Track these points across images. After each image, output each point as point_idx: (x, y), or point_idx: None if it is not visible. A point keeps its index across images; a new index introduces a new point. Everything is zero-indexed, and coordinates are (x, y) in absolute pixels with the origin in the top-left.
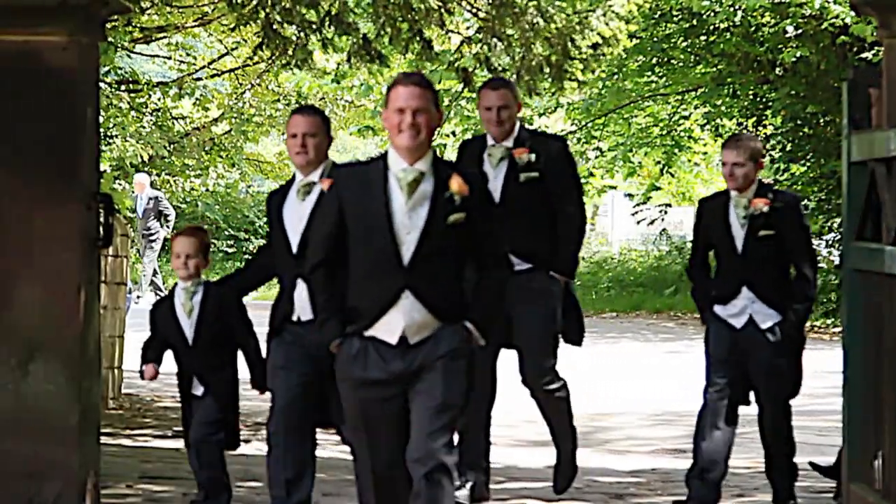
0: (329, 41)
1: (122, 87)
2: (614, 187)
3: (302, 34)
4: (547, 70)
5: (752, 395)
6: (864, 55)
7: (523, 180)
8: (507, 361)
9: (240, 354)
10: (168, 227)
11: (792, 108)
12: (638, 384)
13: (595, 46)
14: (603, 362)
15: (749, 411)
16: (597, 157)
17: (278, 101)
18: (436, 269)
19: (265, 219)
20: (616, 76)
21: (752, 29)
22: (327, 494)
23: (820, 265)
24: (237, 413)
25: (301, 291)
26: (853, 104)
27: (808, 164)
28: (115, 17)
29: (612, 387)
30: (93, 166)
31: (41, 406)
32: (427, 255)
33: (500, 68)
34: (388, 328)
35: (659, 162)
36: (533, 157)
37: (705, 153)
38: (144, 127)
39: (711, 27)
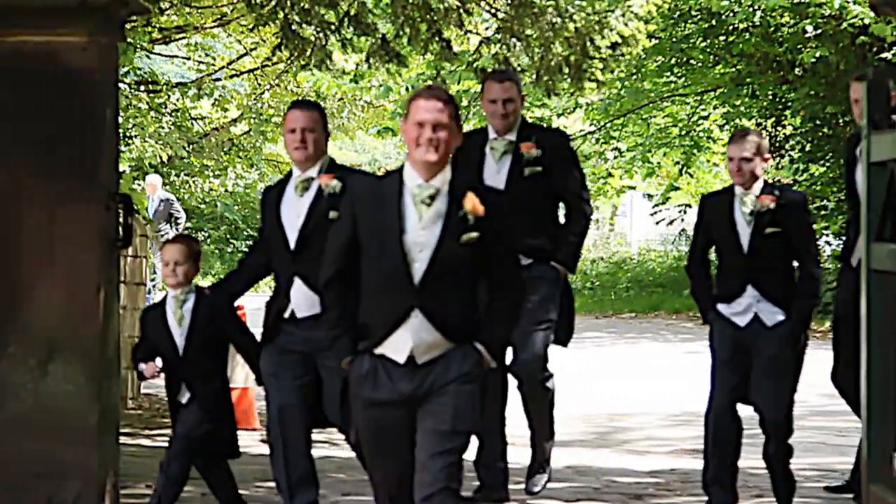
0: (348, 41)
1: (142, 88)
2: (633, 188)
3: (321, 34)
4: (566, 70)
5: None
6: (883, 55)
7: (528, 175)
8: None
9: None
10: (178, 229)
11: (811, 109)
12: (657, 384)
13: (614, 46)
14: (622, 363)
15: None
16: (615, 158)
17: None
18: (447, 288)
19: None
20: (635, 76)
21: (772, 29)
22: (346, 494)
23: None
24: (233, 422)
25: (298, 288)
26: (873, 104)
27: (828, 164)
28: (135, 17)
29: (631, 387)
30: (112, 167)
31: (60, 406)
32: (438, 274)
33: (519, 69)
34: (397, 347)
35: (678, 162)
36: (538, 152)
37: (724, 153)
38: (163, 127)
39: (731, 27)
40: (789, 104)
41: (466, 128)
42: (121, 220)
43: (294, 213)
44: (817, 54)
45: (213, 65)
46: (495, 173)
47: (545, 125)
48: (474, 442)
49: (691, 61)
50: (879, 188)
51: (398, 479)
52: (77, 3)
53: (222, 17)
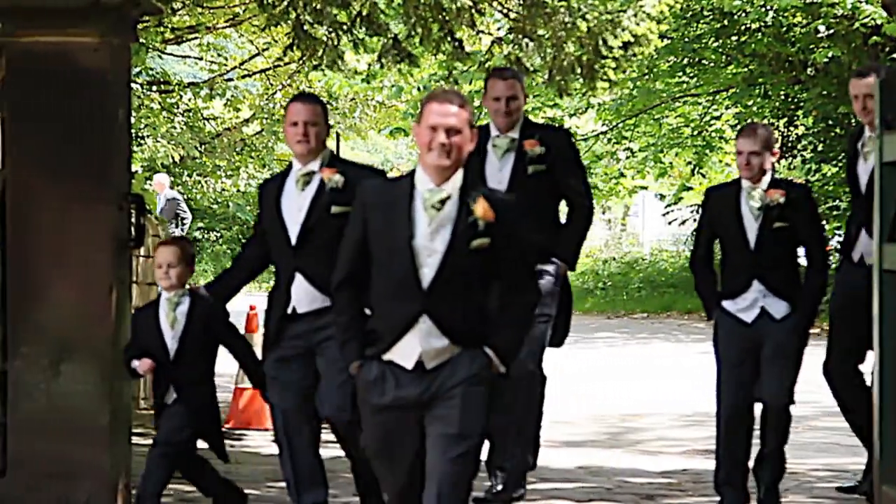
0: (360, 42)
1: (154, 88)
2: (645, 188)
3: (333, 35)
4: (578, 70)
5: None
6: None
7: (531, 172)
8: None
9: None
10: (183, 230)
11: (823, 109)
12: (669, 385)
13: (626, 46)
14: (634, 363)
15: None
16: (628, 158)
17: None
18: (456, 294)
19: None
20: (647, 76)
21: (784, 29)
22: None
23: None
24: (220, 427)
25: (299, 284)
26: (885, 104)
27: (840, 164)
28: (147, 17)
29: (642, 387)
30: (124, 167)
31: (73, 406)
32: (447, 279)
33: (531, 69)
34: (405, 353)
35: (690, 162)
36: (542, 149)
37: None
38: (175, 128)
39: (743, 27)
40: (801, 104)
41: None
42: (133, 220)
43: (295, 207)
44: (830, 54)
45: (225, 65)
46: (497, 171)
47: (546, 123)
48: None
49: (703, 61)
50: (892, 188)
51: (407, 486)
52: (89, 3)
53: (234, 18)
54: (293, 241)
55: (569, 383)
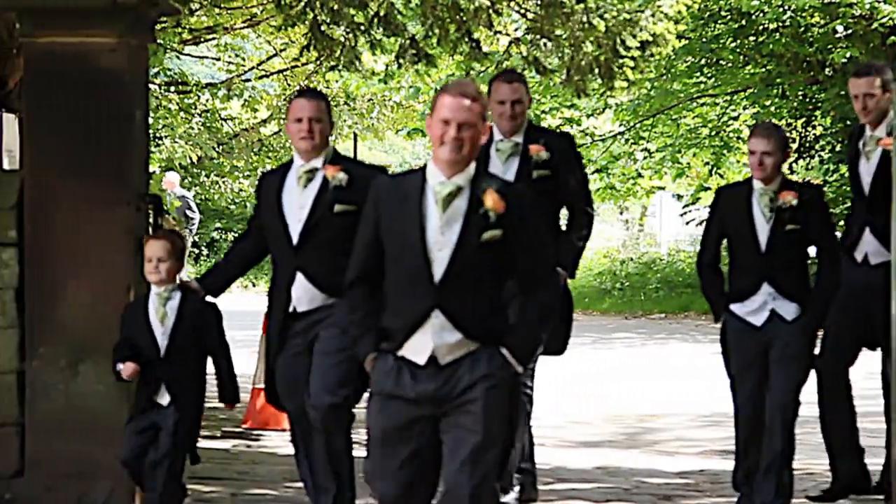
0: (377, 43)
1: (171, 89)
2: (663, 188)
3: (350, 35)
4: (596, 70)
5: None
6: None
7: (536, 177)
8: (553, 364)
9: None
10: (192, 229)
11: (841, 109)
12: (686, 385)
13: (644, 46)
14: (651, 363)
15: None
16: (645, 159)
17: None
18: (469, 288)
19: None
20: (664, 77)
21: (802, 29)
22: None
23: None
24: (198, 428)
25: (299, 283)
26: None
27: None
28: (165, 18)
29: (660, 388)
30: (142, 167)
31: (91, 406)
32: (459, 273)
33: (549, 69)
34: (417, 349)
35: (708, 163)
36: (548, 155)
37: None
38: (193, 128)
39: (760, 27)
40: (819, 104)
41: None
42: (150, 220)
43: (297, 204)
44: (847, 55)
45: (243, 65)
46: (501, 175)
47: (549, 128)
48: None
49: (721, 62)
50: None
51: (401, 488)
52: (107, 4)
53: (252, 18)
54: (294, 239)
55: (586, 384)
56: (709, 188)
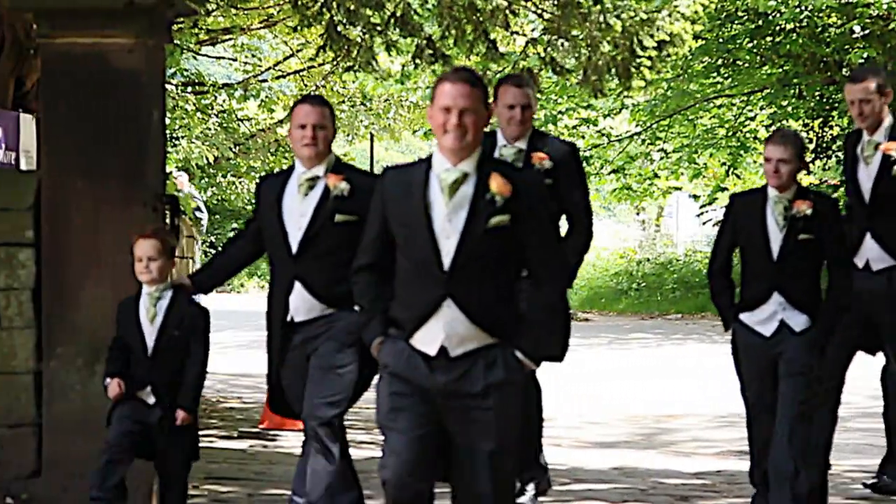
0: (393, 44)
1: (188, 89)
2: (679, 188)
3: (367, 36)
4: (613, 70)
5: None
6: None
7: None
8: (569, 364)
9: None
10: (200, 229)
11: None
12: (703, 386)
13: (661, 46)
14: (668, 364)
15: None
16: (662, 159)
17: (343, 102)
18: (479, 277)
19: None
20: (681, 77)
21: (819, 29)
22: None
23: None
24: (197, 426)
25: (297, 293)
26: None
27: None
28: (182, 19)
29: (677, 388)
30: (158, 168)
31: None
32: (468, 261)
33: (566, 69)
34: (427, 339)
35: (724, 163)
36: (550, 164)
37: None
38: (210, 129)
39: (777, 28)
40: (836, 105)
41: None
42: (167, 221)
43: (297, 213)
44: (865, 55)
45: (260, 66)
46: None
47: (554, 135)
48: None
49: (738, 62)
50: None
51: (407, 465)
52: (124, 5)
53: (268, 19)
54: (294, 248)
55: (603, 384)
56: (725, 189)
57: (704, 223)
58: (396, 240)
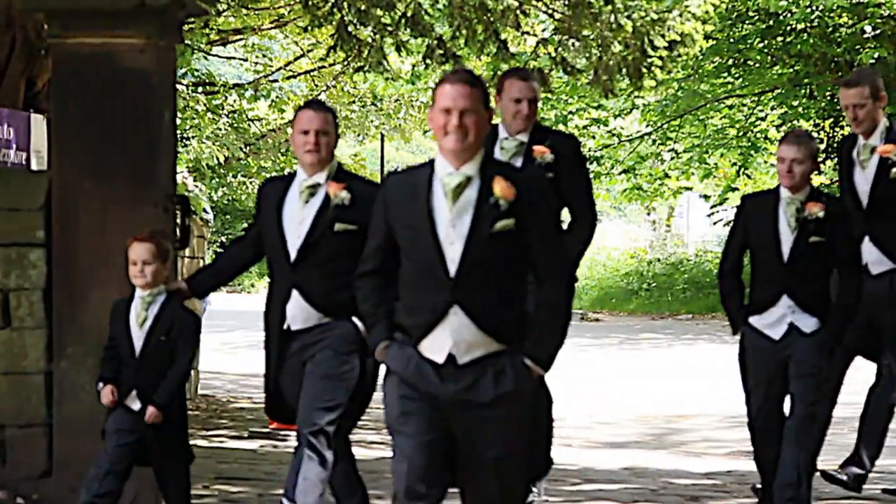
0: (403, 44)
1: (199, 89)
2: (690, 189)
3: (377, 36)
4: (624, 70)
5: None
6: None
7: None
8: (579, 365)
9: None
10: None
11: None
12: (714, 386)
13: (671, 46)
14: (679, 364)
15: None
16: (672, 159)
17: (353, 102)
18: (485, 282)
19: None
20: (692, 77)
21: (830, 29)
22: None
23: None
24: (186, 427)
25: (295, 302)
26: None
27: None
28: (192, 19)
29: (687, 388)
30: (169, 168)
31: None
32: (475, 266)
33: (576, 69)
34: (435, 347)
35: (735, 163)
36: (552, 157)
37: None
38: (221, 129)
39: (788, 28)
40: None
41: None
42: (178, 221)
43: (297, 220)
44: (875, 55)
45: (270, 66)
46: None
47: (556, 128)
48: None
49: (748, 62)
50: None
51: (419, 470)
52: (135, 5)
53: (279, 19)
54: (292, 256)
55: (613, 385)
56: (736, 189)
57: (715, 223)
58: (400, 245)
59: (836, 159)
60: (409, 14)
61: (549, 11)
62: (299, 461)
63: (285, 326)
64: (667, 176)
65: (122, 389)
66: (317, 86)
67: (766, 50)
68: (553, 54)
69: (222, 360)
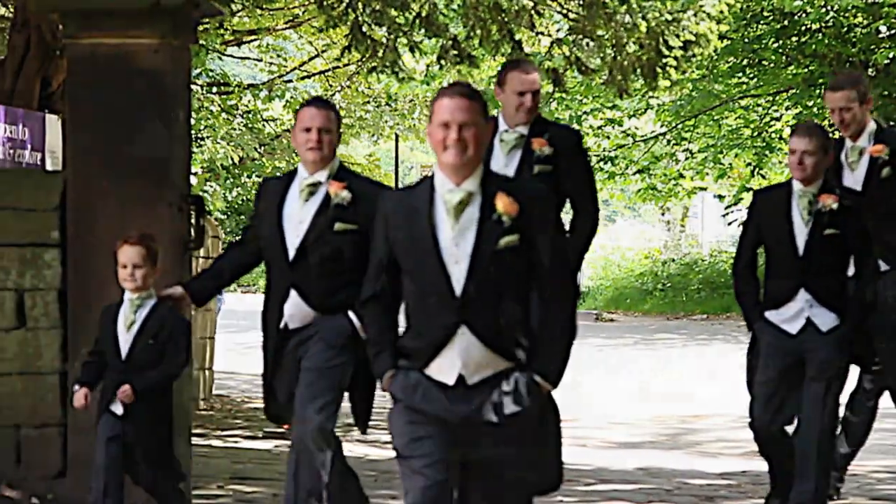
0: (416, 45)
1: (214, 90)
2: (704, 189)
3: (391, 37)
4: (638, 70)
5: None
6: None
7: (536, 172)
8: (594, 365)
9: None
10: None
11: (884, 110)
12: (728, 386)
13: (686, 46)
14: (693, 364)
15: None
16: (687, 159)
17: (368, 102)
18: (492, 300)
19: None
20: (707, 78)
21: (845, 29)
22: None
23: None
24: (169, 439)
25: (293, 301)
26: None
27: None
28: (207, 19)
29: (702, 389)
30: (184, 168)
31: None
32: (481, 285)
33: (591, 69)
34: (444, 368)
35: (750, 163)
36: (550, 150)
37: None
38: (235, 129)
39: (803, 28)
40: None
41: None
42: (193, 221)
43: (297, 219)
44: (891, 55)
45: (285, 66)
46: (503, 167)
47: (558, 121)
48: None
49: (763, 62)
50: None
51: (435, 476)
52: (150, 5)
53: (294, 19)
54: (291, 255)
55: (628, 385)
56: (751, 189)
57: (730, 224)
58: (403, 267)
59: None
60: (423, 14)
61: (564, 11)
62: (295, 467)
63: (282, 325)
64: (681, 176)
65: (107, 394)
66: (331, 86)
67: (780, 50)
68: (567, 54)
69: (237, 360)
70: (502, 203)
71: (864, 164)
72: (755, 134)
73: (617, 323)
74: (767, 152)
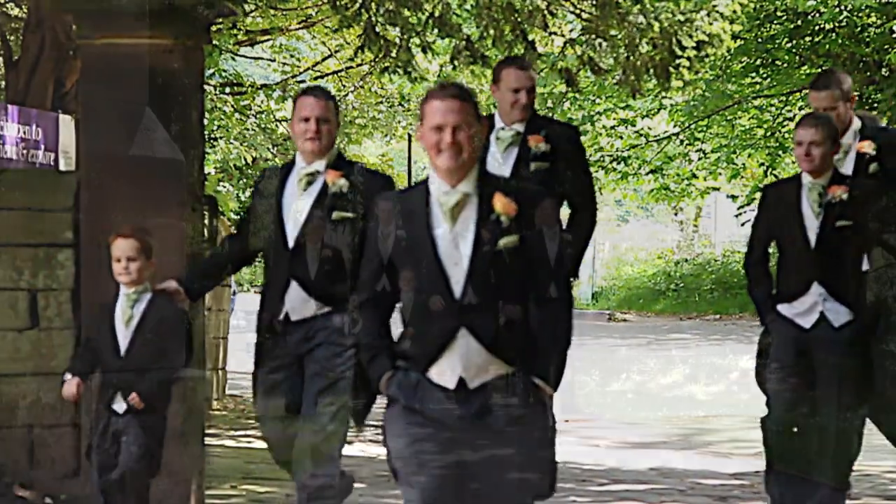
0: (429, 45)
1: (227, 90)
2: (717, 189)
3: (404, 37)
4: (651, 70)
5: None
6: None
7: (533, 169)
8: (604, 364)
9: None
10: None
11: None
12: (741, 386)
13: (699, 46)
14: (706, 364)
15: None
16: (700, 159)
17: (381, 103)
18: (492, 302)
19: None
20: (720, 78)
21: (858, 29)
22: None
23: None
24: (162, 437)
25: (293, 291)
26: None
27: None
28: (220, 20)
29: (715, 389)
30: (197, 169)
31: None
32: (480, 287)
33: (604, 69)
34: (445, 372)
35: (763, 164)
36: (547, 146)
37: None
38: (248, 129)
39: (816, 28)
40: (876, 105)
41: None
42: (206, 221)
43: (295, 208)
44: None
45: (298, 66)
46: (500, 165)
47: (555, 118)
48: None
49: (777, 62)
50: None
51: (438, 486)
52: (163, 6)
53: (307, 19)
54: (290, 244)
55: (640, 385)
56: None
57: (743, 224)
58: (401, 271)
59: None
60: (436, 14)
61: (577, 11)
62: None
63: (282, 316)
64: (694, 176)
65: (107, 391)
66: (344, 86)
67: (794, 50)
68: (580, 54)
69: (249, 361)
70: (500, 203)
71: (851, 160)
72: (768, 134)
73: (629, 323)
74: (780, 152)
